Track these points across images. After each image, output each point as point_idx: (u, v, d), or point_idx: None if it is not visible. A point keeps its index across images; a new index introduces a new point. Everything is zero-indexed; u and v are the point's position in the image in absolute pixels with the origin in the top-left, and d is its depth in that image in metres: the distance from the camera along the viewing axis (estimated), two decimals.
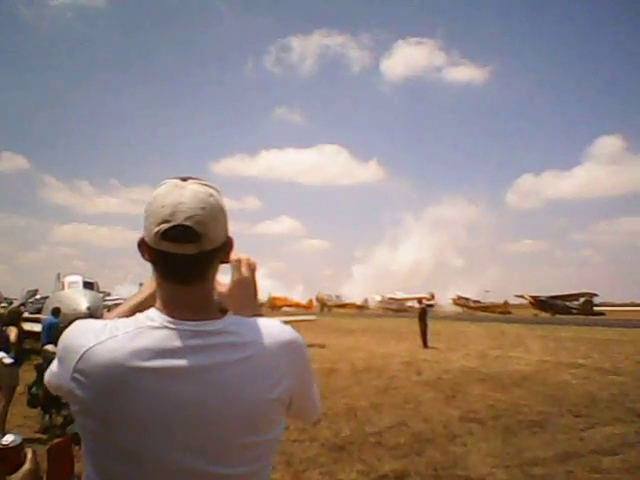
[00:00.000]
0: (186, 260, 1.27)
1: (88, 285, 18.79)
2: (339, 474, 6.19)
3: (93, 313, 15.88)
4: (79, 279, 18.84)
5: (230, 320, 1.35)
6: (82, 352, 1.24)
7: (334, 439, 7.64)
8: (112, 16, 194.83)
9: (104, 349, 1.23)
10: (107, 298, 25.62)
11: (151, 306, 1.36)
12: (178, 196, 1.28)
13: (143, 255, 1.34)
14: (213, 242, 1.30)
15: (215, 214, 1.31)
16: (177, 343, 1.25)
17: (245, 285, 1.51)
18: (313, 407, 1.50)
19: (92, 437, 1.26)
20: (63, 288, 18.38)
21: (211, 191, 1.33)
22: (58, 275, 21.63)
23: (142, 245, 1.33)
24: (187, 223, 1.25)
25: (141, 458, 1.23)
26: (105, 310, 19.68)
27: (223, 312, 1.39)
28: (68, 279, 18.91)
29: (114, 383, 1.21)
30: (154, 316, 1.30)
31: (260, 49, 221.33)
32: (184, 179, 1.33)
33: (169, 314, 1.29)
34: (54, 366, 1.35)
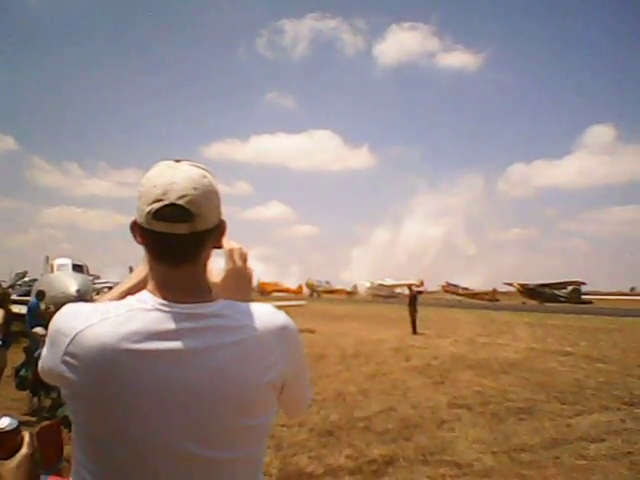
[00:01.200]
0: (178, 240, 1.26)
1: (77, 268, 18.68)
2: (328, 458, 6.22)
3: (82, 296, 15.82)
4: (68, 262, 18.72)
5: (222, 303, 1.34)
6: (73, 335, 1.23)
7: (323, 424, 7.67)
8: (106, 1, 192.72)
9: (95, 332, 1.22)
10: (96, 281, 25.50)
11: (142, 290, 1.34)
12: (170, 176, 1.27)
13: (135, 238, 1.33)
14: (206, 223, 1.29)
15: (208, 195, 1.30)
16: (169, 326, 1.24)
17: (238, 275, 1.50)
18: (304, 396, 1.50)
19: (83, 420, 1.25)
20: (52, 271, 18.28)
21: (204, 172, 1.32)
22: (47, 258, 21.52)
23: (134, 227, 1.31)
24: (179, 202, 1.24)
25: (132, 441, 1.22)
26: (94, 293, 19.65)
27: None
28: (57, 262, 18.78)
29: (105, 366, 1.20)
30: (146, 298, 1.29)
31: (252, 32, 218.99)
32: (177, 160, 1.33)
33: (161, 296, 1.28)
34: (45, 350, 1.33)
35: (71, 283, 16.24)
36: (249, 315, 1.33)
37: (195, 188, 1.27)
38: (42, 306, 13.72)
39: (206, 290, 1.34)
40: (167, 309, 1.26)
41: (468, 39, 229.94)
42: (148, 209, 1.25)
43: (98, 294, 23.24)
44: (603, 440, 7.02)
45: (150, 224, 1.26)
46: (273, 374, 1.30)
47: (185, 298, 1.28)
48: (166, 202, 1.24)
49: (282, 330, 1.35)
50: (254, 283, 1.72)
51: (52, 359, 1.27)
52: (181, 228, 1.25)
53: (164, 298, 1.28)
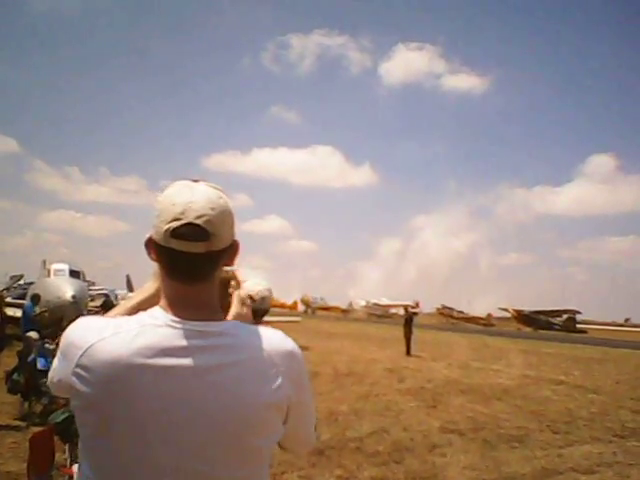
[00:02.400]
0: (194, 259, 1.30)
1: (74, 274, 18.63)
2: (318, 478, 6.18)
3: (78, 302, 15.77)
4: (66, 267, 18.67)
5: (232, 323, 1.39)
6: (85, 347, 1.25)
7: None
8: (111, 6, 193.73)
9: (107, 345, 1.24)
10: (92, 288, 25.40)
11: (151, 306, 1.37)
12: (189, 196, 1.30)
13: (149, 254, 1.36)
14: (221, 243, 1.32)
15: (224, 215, 1.33)
16: (180, 342, 1.26)
17: (241, 320, 1.52)
18: (309, 430, 1.50)
19: (91, 433, 1.27)
20: (49, 275, 18.21)
21: (220, 193, 1.36)
22: (44, 262, 21.41)
23: (149, 244, 1.35)
24: (198, 222, 1.27)
25: (139, 457, 1.24)
26: (89, 300, 19.59)
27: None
28: (54, 266, 18.71)
29: (116, 380, 1.22)
30: (158, 314, 1.31)
31: (258, 45, 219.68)
32: (195, 180, 1.36)
33: (173, 313, 1.31)
34: (55, 362, 1.36)
35: (67, 289, 16.17)
36: (257, 336, 1.35)
37: (212, 208, 1.30)
38: (36, 310, 13.65)
39: (217, 308, 1.38)
40: (178, 326, 1.28)
41: (474, 62, 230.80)
42: (167, 227, 1.28)
43: (93, 301, 23.18)
44: (594, 472, 7.00)
45: (168, 242, 1.28)
46: (279, 396, 1.31)
47: (196, 315, 1.31)
48: (185, 221, 1.27)
49: (289, 355, 1.37)
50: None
51: (63, 370, 1.30)
52: (198, 247, 1.28)
53: (176, 314, 1.30)
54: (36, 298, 14.08)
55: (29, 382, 8.05)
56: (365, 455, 7.26)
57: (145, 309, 1.37)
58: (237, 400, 1.27)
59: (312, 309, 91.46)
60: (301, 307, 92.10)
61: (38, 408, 8.21)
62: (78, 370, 1.25)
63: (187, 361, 1.25)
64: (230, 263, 1.42)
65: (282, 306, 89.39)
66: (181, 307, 1.31)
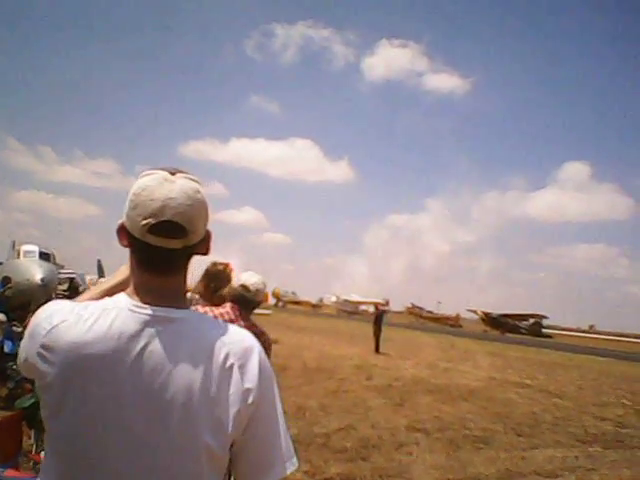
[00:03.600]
0: (169, 254, 1.31)
1: (44, 256, 18.30)
2: None
3: (47, 285, 15.52)
4: (36, 249, 18.33)
5: (194, 313, 1.38)
6: (49, 328, 1.28)
7: None
8: None
9: (69, 328, 1.26)
10: (61, 271, 25.02)
11: (122, 292, 1.38)
12: (167, 191, 1.29)
13: (120, 241, 1.36)
14: (196, 237, 1.34)
15: (200, 210, 1.34)
16: (138, 327, 1.27)
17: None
18: (274, 443, 1.37)
19: (47, 415, 1.29)
20: (18, 256, 17.91)
21: (198, 187, 1.35)
22: (13, 243, 21.02)
23: (121, 231, 1.34)
24: (175, 219, 1.28)
25: (88, 441, 1.24)
26: (57, 283, 19.29)
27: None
28: (24, 248, 18.36)
29: (72, 363, 1.24)
30: (121, 299, 1.33)
31: (242, 33, 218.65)
32: (173, 172, 1.34)
33: (138, 299, 1.31)
34: (24, 341, 1.36)
35: (37, 271, 15.89)
36: (218, 328, 1.36)
37: (190, 205, 1.31)
38: (7, 293, 13.41)
39: (182, 297, 1.38)
40: (139, 311, 1.29)
41: (457, 62, 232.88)
42: (144, 222, 1.27)
43: (61, 284, 22.82)
44: (557, 476, 7.11)
45: (144, 236, 1.29)
46: (232, 392, 1.29)
47: (161, 302, 1.31)
48: (163, 218, 1.27)
49: (248, 350, 1.35)
50: None
51: (29, 350, 1.31)
52: (175, 244, 1.30)
53: (140, 300, 1.31)
54: (7, 280, 13.82)
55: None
56: (332, 451, 7.27)
57: (117, 293, 1.38)
58: (186, 390, 1.25)
59: (283, 303, 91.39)
60: (272, 300, 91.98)
61: (3, 392, 8.07)
62: (41, 350, 1.27)
63: (142, 346, 1.26)
64: (202, 252, 1.41)
65: None
66: (147, 294, 1.32)
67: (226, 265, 4.03)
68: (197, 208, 1.32)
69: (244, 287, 3.78)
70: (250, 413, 1.30)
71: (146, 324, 1.28)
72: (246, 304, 3.81)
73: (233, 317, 3.70)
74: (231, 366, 1.30)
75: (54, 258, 20.02)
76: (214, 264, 4.02)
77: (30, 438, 4.61)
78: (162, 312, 1.30)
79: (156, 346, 1.27)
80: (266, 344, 3.74)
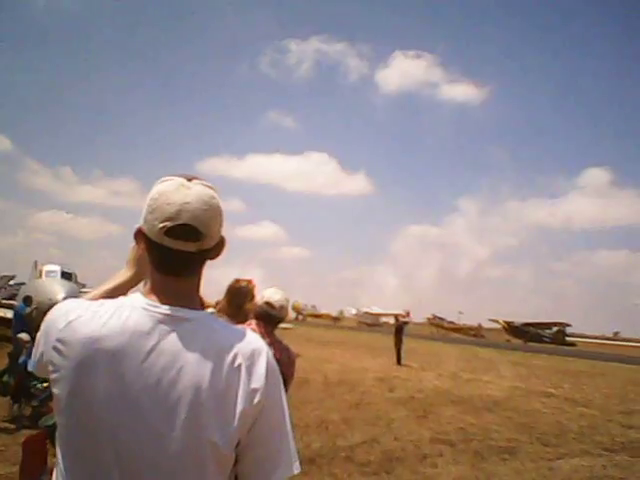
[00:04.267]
0: (185, 257, 1.35)
1: (66, 275, 18.47)
2: None
3: None
4: (57, 268, 18.51)
5: (206, 313, 1.43)
6: (66, 323, 1.32)
7: (305, 451, 7.59)
8: (112, 8, 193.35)
9: (84, 323, 1.31)
10: (82, 290, 25.24)
11: (123, 294, 1.46)
12: (184, 196, 1.34)
13: (138, 244, 1.42)
14: (212, 242, 1.39)
15: (216, 216, 1.39)
16: (149, 325, 1.31)
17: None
18: (279, 442, 1.39)
19: (60, 409, 1.31)
20: (40, 276, 18.08)
21: (213, 193, 1.40)
22: (35, 263, 21.26)
23: (138, 235, 1.39)
24: (192, 223, 1.33)
25: (97, 437, 1.27)
26: None
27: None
28: (46, 268, 18.55)
29: (86, 356, 1.27)
30: (136, 298, 1.38)
31: (257, 50, 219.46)
32: (189, 179, 1.39)
33: (152, 299, 1.36)
34: (38, 338, 1.40)
35: (59, 290, 16.03)
36: (228, 330, 1.41)
37: (206, 210, 1.35)
38: (27, 311, 13.58)
39: (195, 299, 1.42)
40: (152, 309, 1.34)
41: (472, 72, 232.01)
42: (161, 225, 1.32)
43: None
44: None
45: (161, 240, 1.34)
46: (240, 393, 1.31)
47: (174, 302, 1.36)
48: (179, 222, 1.32)
49: (256, 352, 1.38)
50: None
51: (45, 345, 1.36)
52: (190, 247, 1.35)
53: (155, 300, 1.36)
54: (28, 300, 13.99)
55: (19, 384, 8.00)
56: (356, 464, 7.24)
57: (117, 296, 1.43)
58: (195, 387, 1.28)
59: (303, 316, 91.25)
60: (292, 314, 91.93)
61: (28, 411, 8.16)
62: (57, 344, 1.32)
63: (154, 343, 1.30)
64: (215, 257, 1.45)
65: None
66: (162, 295, 1.37)
67: (249, 282, 4.06)
68: (212, 213, 1.37)
69: (268, 304, 3.80)
70: (256, 413, 1.33)
71: (159, 322, 1.32)
72: (270, 320, 3.83)
73: (258, 333, 3.70)
74: (239, 366, 1.33)
75: (76, 277, 20.18)
76: (237, 281, 4.05)
77: (55, 456, 4.64)
78: (175, 312, 1.34)
79: (168, 344, 1.31)
80: (291, 359, 3.80)
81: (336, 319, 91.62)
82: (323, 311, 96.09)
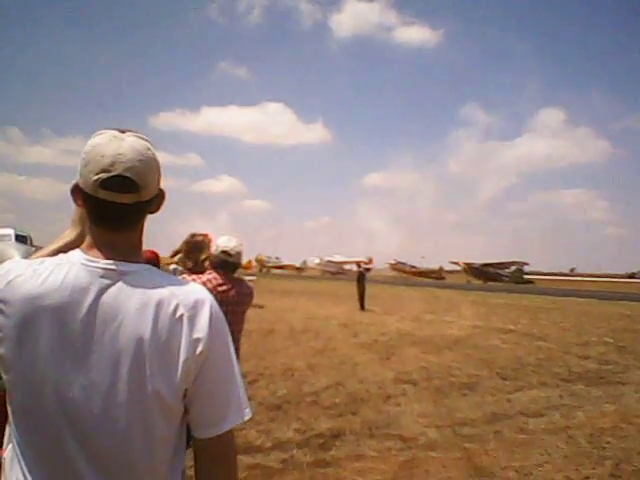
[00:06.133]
0: (122, 209, 1.34)
1: (21, 238, 18.05)
2: (276, 432, 6.27)
3: None
4: (11, 232, 18.08)
5: (146, 266, 1.40)
6: (5, 283, 1.31)
7: (271, 398, 7.72)
8: None
9: (24, 281, 1.30)
10: None
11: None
12: (117, 147, 1.33)
13: (75, 201, 1.40)
14: (148, 193, 1.37)
15: (152, 167, 1.37)
16: (88, 280, 1.31)
17: None
18: (232, 391, 1.42)
19: (6, 367, 1.31)
20: None
21: (148, 145, 1.39)
22: None
23: (76, 191, 1.38)
24: (127, 174, 1.31)
25: (43, 392, 1.27)
26: None
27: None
28: None
29: (27, 314, 1.28)
30: (75, 254, 1.37)
31: None
32: (122, 131, 1.38)
33: (92, 254, 1.35)
34: None
35: (14, 254, 15.66)
36: (169, 281, 1.40)
37: (140, 160, 1.34)
38: None
39: (137, 253, 1.41)
40: (91, 264, 1.33)
41: (426, 14, 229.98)
42: (95, 178, 1.31)
43: None
44: (542, 415, 7.27)
45: (96, 192, 1.32)
46: (183, 342, 1.32)
47: (113, 256, 1.35)
48: (114, 173, 1.31)
49: (199, 302, 1.38)
50: None
51: None
52: (127, 198, 1.33)
53: (94, 255, 1.35)
54: None
55: None
56: (322, 408, 7.39)
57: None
58: (137, 339, 1.29)
59: (267, 268, 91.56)
60: (256, 266, 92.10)
61: None
62: None
63: (94, 298, 1.30)
64: (156, 211, 1.44)
65: None
66: (101, 249, 1.36)
67: (205, 235, 4.17)
68: (148, 164, 1.36)
69: (225, 252, 4.01)
70: (200, 362, 1.34)
71: (98, 277, 1.32)
72: (228, 267, 4.04)
73: (221, 281, 3.92)
74: (181, 316, 1.33)
75: (31, 240, 19.75)
76: (193, 235, 4.21)
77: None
78: (114, 265, 1.34)
79: (107, 298, 1.31)
80: (250, 290, 4.16)
81: (300, 269, 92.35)
82: (286, 262, 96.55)
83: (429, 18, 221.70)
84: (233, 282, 3.96)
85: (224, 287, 3.79)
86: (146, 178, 1.35)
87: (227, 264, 3.97)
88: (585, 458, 5.69)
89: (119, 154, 1.32)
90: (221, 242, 4.01)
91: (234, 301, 3.85)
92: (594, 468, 5.43)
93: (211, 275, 3.89)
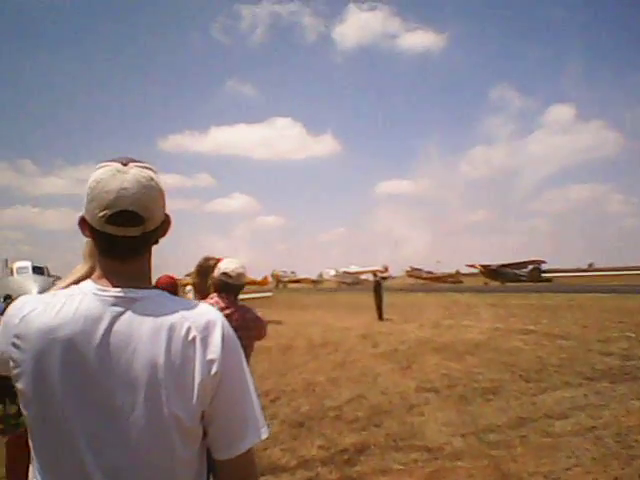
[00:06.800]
0: (128, 241, 1.37)
1: (37, 270, 18.33)
2: (300, 450, 6.26)
3: None
4: (28, 264, 18.36)
5: (156, 291, 1.42)
6: (20, 317, 1.34)
7: (294, 415, 7.71)
8: None
9: (38, 315, 1.33)
10: (56, 283, 24.99)
11: None
12: (121, 181, 1.35)
13: (83, 232, 1.42)
14: (154, 223, 1.39)
15: (156, 197, 1.39)
16: (100, 309, 1.33)
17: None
18: (248, 413, 1.42)
19: (25, 403, 1.33)
20: (12, 274, 17.89)
21: (151, 174, 1.40)
22: (5, 261, 21.06)
23: (83, 223, 1.40)
24: (131, 208, 1.33)
25: (64, 425, 1.28)
26: None
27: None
28: (17, 265, 18.40)
29: (43, 347, 1.30)
30: (86, 285, 1.39)
31: (207, 17, 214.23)
32: (125, 163, 1.38)
33: (102, 283, 1.38)
34: None
35: (32, 286, 15.92)
36: (180, 305, 1.41)
37: (144, 193, 1.36)
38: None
39: (144, 278, 1.44)
40: (102, 293, 1.35)
41: (430, 19, 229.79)
42: (101, 214, 1.33)
43: None
44: (568, 416, 7.19)
45: (103, 227, 1.35)
46: (197, 365, 1.33)
47: (123, 284, 1.37)
48: (118, 209, 1.33)
49: (210, 324, 1.39)
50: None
51: (3, 344, 1.37)
52: (133, 231, 1.36)
53: (104, 284, 1.37)
54: (9, 298, 13.81)
55: (1, 383, 7.93)
56: (345, 422, 7.36)
57: None
58: (151, 365, 1.30)
59: (283, 283, 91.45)
60: (272, 282, 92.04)
61: (13, 409, 8.11)
62: (15, 340, 1.34)
63: (107, 326, 1.32)
64: (162, 236, 1.47)
65: (252, 283, 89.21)
66: (111, 278, 1.38)
67: (217, 260, 4.17)
68: (151, 195, 1.38)
69: (225, 274, 3.96)
70: (215, 384, 1.35)
71: (110, 305, 1.34)
72: (230, 289, 3.99)
73: (223, 305, 3.86)
74: (193, 339, 1.34)
75: (48, 271, 19.99)
76: (206, 259, 4.20)
77: None
78: (124, 293, 1.36)
79: (120, 325, 1.32)
80: (257, 315, 4.01)
81: (316, 282, 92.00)
82: (303, 276, 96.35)
83: (432, 22, 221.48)
84: (236, 306, 3.92)
85: (227, 311, 3.76)
86: (151, 209, 1.37)
87: (228, 286, 3.94)
88: (613, 458, 5.62)
89: (123, 189, 1.33)
90: (222, 264, 4.01)
91: (237, 325, 3.80)
92: (623, 468, 5.36)
93: (213, 299, 3.89)
